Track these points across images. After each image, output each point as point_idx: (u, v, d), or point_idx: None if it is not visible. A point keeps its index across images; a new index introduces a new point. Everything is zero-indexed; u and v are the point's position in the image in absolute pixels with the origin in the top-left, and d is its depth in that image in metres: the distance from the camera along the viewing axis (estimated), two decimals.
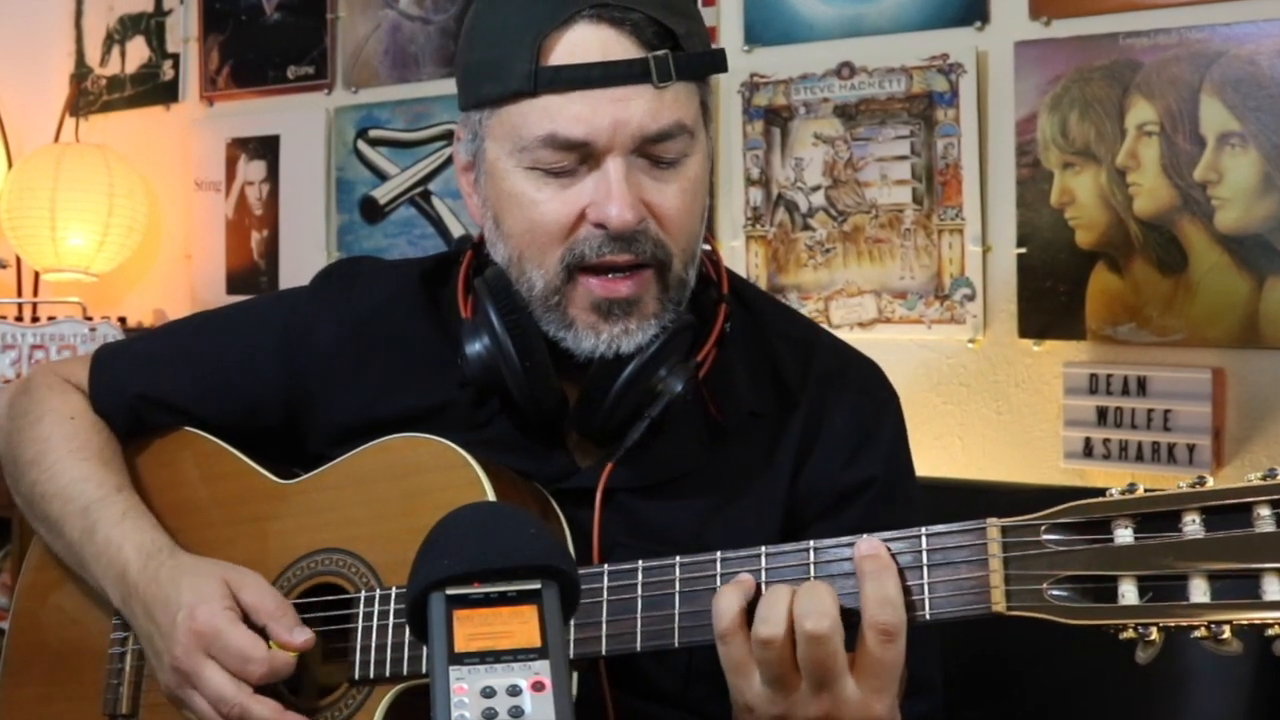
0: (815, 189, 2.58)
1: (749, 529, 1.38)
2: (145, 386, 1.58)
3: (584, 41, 1.29)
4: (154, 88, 3.58)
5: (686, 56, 1.31)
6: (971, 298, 2.43)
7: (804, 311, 2.39)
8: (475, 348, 1.37)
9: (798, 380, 1.45)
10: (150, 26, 3.58)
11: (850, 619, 1.14)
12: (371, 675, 1.32)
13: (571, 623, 1.21)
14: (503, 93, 1.31)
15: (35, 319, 3.27)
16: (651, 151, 1.31)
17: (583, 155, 1.30)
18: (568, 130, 1.28)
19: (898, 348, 2.47)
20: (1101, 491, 1.11)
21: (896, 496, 1.44)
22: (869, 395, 1.48)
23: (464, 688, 0.90)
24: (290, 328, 1.54)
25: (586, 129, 1.28)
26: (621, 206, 1.28)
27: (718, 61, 1.36)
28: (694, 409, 1.40)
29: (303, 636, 1.33)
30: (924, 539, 1.15)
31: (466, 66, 1.37)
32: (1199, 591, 1.04)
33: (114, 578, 1.44)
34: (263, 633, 1.34)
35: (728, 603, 1.16)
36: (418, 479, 1.37)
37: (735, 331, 1.44)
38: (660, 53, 1.29)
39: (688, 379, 1.35)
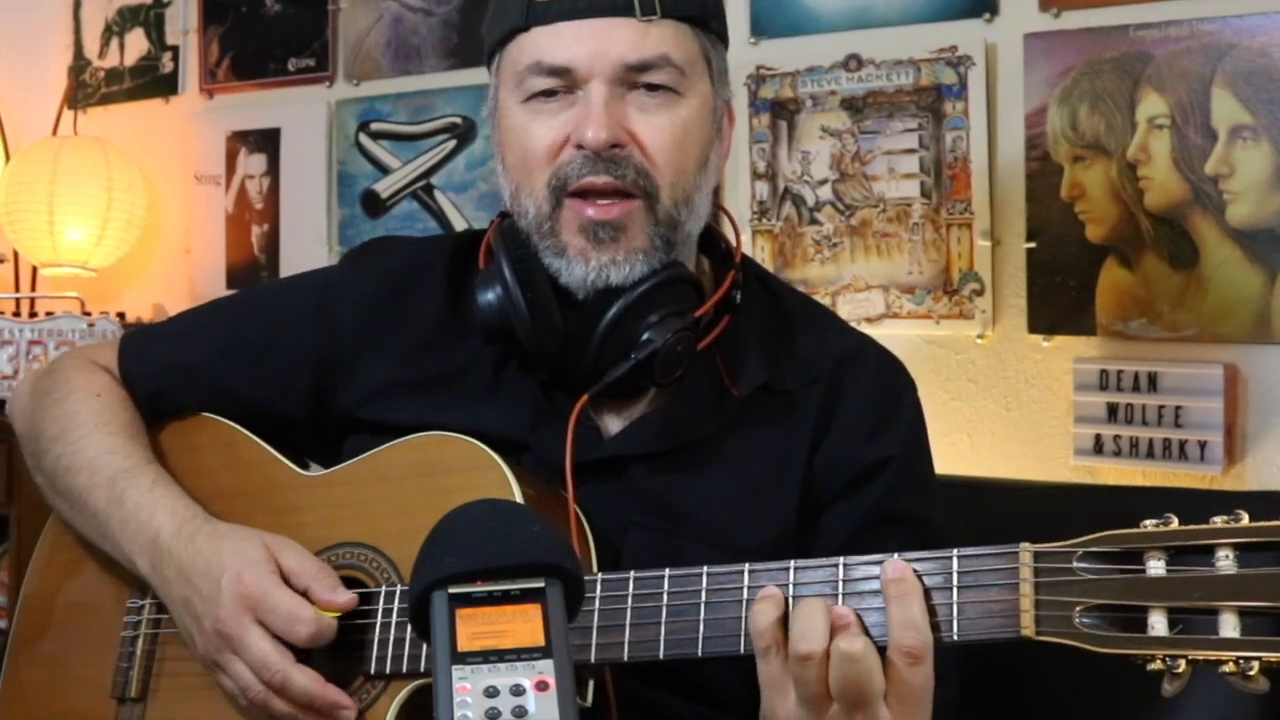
0: (822, 183, 2.56)
1: (765, 505, 1.40)
2: (175, 358, 1.61)
3: None
4: (153, 80, 3.56)
5: None
6: (980, 293, 2.41)
7: None
8: (487, 295, 1.41)
9: (815, 359, 1.47)
10: (149, 18, 3.57)
11: (878, 640, 1.13)
12: (387, 670, 1.32)
13: (594, 628, 1.22)
14: (502, 33, 1.42)
15: (33, 314, 3.26)
16: (638, 80, 1.38)
17: (569, 83, 1.38)
18: (551, 56, 1.37)
19: (905, 343, 2.45)
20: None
21: (914, 478, 1.47)
22: (888, 377, 1.51)
23: (467, 687, 0.91)
24: (325, 294, 1.58)
25: (568, 55, 1.37)
26: (598, 127, 1.35)
27: (708, 6, 1.42)
28: (708, 379, 1.43)
29: (345, 596, 1.34)
30: (955, 560, 1.15)
31: (487, 24, 1.47)
32: (1229, 626, 1.04)
33: (144, 543, 1.45)
34: (305, 596, 1.35)
35: (764, 619, 1.15)
36: (445, 478, 1.37)
37: (751, 304, 1.47)
38: None
39: (681, 331, 1.37)
